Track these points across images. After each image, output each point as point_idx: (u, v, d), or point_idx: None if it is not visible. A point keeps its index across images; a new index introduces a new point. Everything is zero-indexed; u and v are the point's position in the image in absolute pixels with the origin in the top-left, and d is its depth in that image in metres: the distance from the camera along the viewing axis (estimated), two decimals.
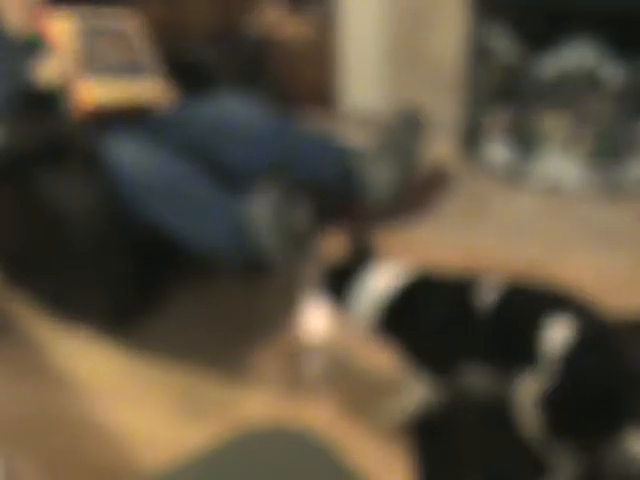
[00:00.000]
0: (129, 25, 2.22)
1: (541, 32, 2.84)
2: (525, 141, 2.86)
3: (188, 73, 2.34)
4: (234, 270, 1.88)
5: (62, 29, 2.06)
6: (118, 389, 1.98)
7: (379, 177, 1.87)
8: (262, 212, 1.71)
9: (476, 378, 1.66)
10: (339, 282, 1.75)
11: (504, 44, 2.78)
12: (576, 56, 2.70)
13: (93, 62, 2.05)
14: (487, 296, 1.58)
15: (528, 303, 1.57)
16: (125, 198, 1.89)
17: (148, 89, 2.14)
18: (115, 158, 1.90)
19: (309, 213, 1.77)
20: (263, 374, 1.99)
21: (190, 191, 1.85)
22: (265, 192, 1.74)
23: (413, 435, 1.76)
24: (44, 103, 2.06)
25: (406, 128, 1.84)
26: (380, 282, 1.71)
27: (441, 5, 2.86)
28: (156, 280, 2.03)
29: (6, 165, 1.97)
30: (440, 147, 2.92)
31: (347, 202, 2.05)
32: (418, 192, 2.66)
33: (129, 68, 2.11)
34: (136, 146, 1.91)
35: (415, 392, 1.75)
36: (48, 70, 2.03)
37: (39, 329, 2.16)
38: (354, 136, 2.85)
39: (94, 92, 2.04)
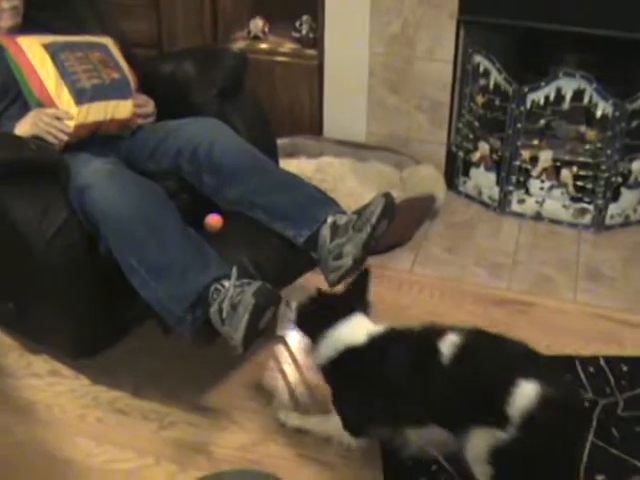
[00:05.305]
0: (102, 44, 2.19)
1: (529, 63, 2.83)
2: (510, 171, 2.83)
3: (166, 87, 2.31)
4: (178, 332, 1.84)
5: (33, 52, 2.03)
6: (82, 422, 1.94)
7: (340, 255, 1.86)
8: (240, 307, 1.70)
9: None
10: (315, 321, 1.77)
11: (493, 75, 2.77)
12: (563, 87, 2.68)
13: (68, 83, 2.02)
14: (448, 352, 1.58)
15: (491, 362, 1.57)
16: (92, 226, 1.85)
17: (123, 109, 2.11)
18: (83, 183, 1.85)
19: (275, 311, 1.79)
20: (228, 409, 1.96)
21: (156, 243, 1.81)
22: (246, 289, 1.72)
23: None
24: None
25: (376, 211, 1.83)
26: (347, 335, 1.73)
27: (429, 34, 2.83)
28: (127, 308, 1.97)
29: None
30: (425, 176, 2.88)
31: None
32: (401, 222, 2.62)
33: (104, 89, 2.08)
34: (105, 175, 1.87)
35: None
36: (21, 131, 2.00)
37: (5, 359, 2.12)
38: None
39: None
